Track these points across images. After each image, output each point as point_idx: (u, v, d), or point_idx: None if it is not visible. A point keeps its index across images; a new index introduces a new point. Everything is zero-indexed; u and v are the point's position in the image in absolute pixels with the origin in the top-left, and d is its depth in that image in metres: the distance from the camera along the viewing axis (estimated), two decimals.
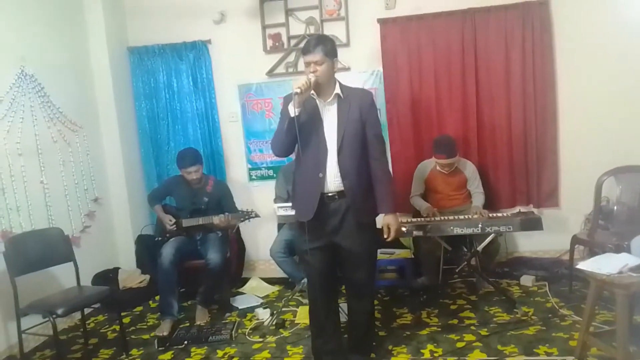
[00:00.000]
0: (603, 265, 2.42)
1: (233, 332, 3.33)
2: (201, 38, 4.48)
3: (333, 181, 2.52)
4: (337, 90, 2.54)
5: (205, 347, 3.19)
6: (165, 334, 3.38)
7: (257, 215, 3.74)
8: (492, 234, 3.45)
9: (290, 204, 2.94)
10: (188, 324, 3.57)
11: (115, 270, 4.22)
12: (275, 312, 3.64)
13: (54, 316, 2.83)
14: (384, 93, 4.26)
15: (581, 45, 4.00)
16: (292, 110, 2.40)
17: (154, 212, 3.96)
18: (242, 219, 3.72)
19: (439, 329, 3.18)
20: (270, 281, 4.34)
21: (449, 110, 4.18)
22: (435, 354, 2.87)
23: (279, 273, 4.07)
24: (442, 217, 3.52)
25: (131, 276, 4.25)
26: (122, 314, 3.51)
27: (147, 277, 4.27)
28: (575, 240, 3.55)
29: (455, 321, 3.29)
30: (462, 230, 3.27)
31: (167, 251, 3.56)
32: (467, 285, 3.92)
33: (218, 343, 3.22)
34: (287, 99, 2.51)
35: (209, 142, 4.56)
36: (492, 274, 3.91)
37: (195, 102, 4.53)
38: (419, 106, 4.22)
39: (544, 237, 3.80)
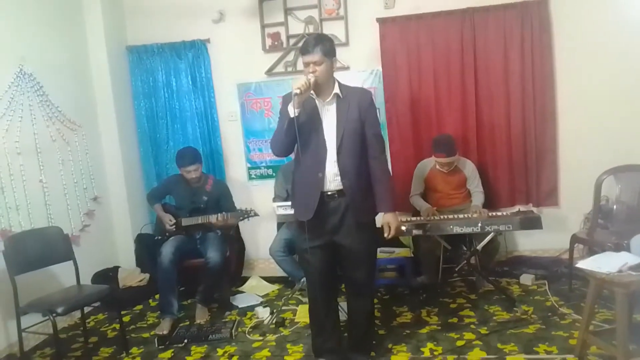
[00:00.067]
0: (603, 264, 2.42)
1: (233, 330, 3.33)
2: (200, 37, 4.47)
3: (332, 180, 2.52)
4: (336, 89, 2.53)
5: (205, 346, 3.19)
6: (165, 332, 3.38)
7: (256, 214, 3.74)
8: (492, 233, 3.45)
9: (289, 203, 2.94)
10: (188, 323, 3.57)
11: (115, 269, 4.22)
12: (275, 310, 3.64)
13: (54, 315, 2.83)
14: (383, 92, 4.25)
15: (581, 44, 4.00)
16: (292, 111, 2.39)
17: (154, 211, 3.96)
18: (241, 217, 3.72)
19: (439, 328, 3.18)
20: (269, 280, 4.35)
21: (448, 110, 4.17)
22: (435, 353, 2.87)
23: (279, 272, 4.07)
24: (442, 216, 3.51)
25: (131, 275, 4.25)
26: (122, 312, 3.50)
27: (147, 275, 4.26)
28: (574, 239, 3.55)
29: (455, 320, 3.30)
30: (461, 229, 3.27)
31: (167, 250, 3.56)
32: (466, 284, 3.92)
33: (218, 341, 3.23)
34: (286, 98, 2.50)
35: (208, 141, 4.56)
36: (492, 273, 3.92)
37: (195, 101, 4.53)
38: (418, 105, 4.22)
39: (544, 236, 3.80)
